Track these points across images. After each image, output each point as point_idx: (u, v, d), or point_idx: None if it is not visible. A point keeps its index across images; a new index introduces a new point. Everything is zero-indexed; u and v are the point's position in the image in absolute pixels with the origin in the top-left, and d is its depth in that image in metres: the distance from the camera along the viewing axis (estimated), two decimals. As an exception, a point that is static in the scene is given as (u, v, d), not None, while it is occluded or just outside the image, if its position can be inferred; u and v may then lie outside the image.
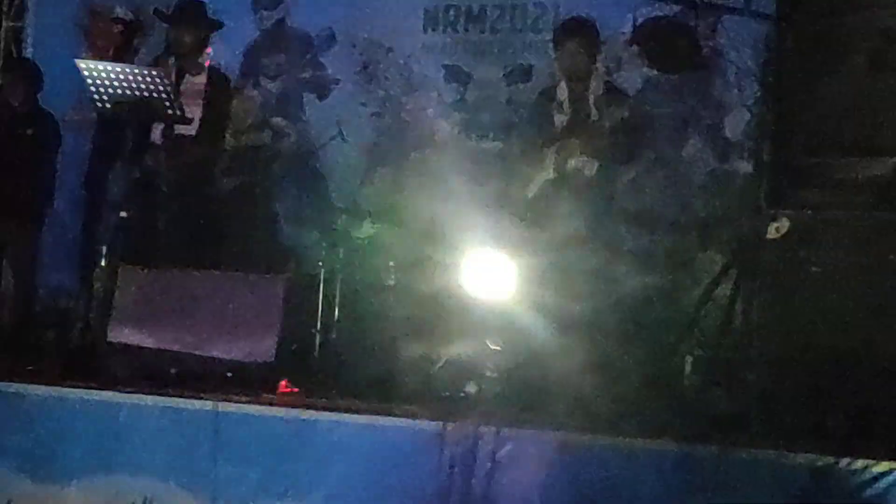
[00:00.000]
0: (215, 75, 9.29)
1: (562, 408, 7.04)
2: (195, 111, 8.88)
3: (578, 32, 8.23)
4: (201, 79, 9.12)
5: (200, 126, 8.94)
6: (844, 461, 5.72)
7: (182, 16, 9.26)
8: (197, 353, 7.49)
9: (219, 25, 9.48)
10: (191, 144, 8.90)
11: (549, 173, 8.00)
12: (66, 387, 7.47)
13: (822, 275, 6.25)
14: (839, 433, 5.95)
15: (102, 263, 8.66)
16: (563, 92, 8.16)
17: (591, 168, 7.97)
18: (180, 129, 8.81)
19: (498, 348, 7.11)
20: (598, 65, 8.25)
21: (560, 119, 8.12)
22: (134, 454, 7.12)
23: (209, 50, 9.34)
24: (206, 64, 9.24)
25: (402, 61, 11.15)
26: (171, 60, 9.11)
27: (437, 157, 10.91)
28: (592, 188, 7.97)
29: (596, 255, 7.93)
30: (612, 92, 8.09)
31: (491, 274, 7.66)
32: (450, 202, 10.09)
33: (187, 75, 9.09)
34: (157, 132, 8.83)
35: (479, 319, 7.48)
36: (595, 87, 8.08)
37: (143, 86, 8.25)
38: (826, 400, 6.01)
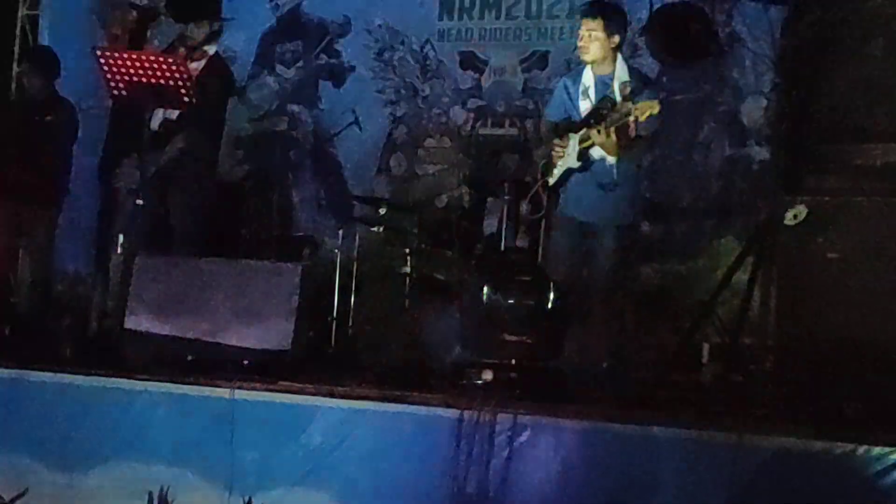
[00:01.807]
0: (217, 63, 9.19)
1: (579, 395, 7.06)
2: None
3: (597, 15, 8.16)
4: (198, 65, 9.04)
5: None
6: (862, 448, 5.70)
7: (194, 9, 9.29)
8: (213, 340, 7.48)
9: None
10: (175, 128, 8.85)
11: (573, 161, 7.95)
12: (82, 374, 7.48)
13: (840, 261, 6.22)
14: (857, 420, 5.93)
15: (119, 251, 8.69)
16: (588, 77, 8.09)
17: (612, 157, 7.91)
18: (170, 113, 8.79)
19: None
20: (622, 50, 8.17)
21: (585, 105, 8.06)
22: (150, 442, 7.13)
23: None
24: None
25: (417, 48, 11.15)
26: (182, 50, 9.09)
27: (452, 145, 10.92)
28: (614, 176, 7.93)
29: (615, 241, 7.91)
30: (637, 77, 8.02)
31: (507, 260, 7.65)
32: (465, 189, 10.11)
33: (188, 61, 9.08)
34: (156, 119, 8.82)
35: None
36: (620, 72, 8.00)
37: (158, 73, 8.25)
38: (844, 387, 5.99)
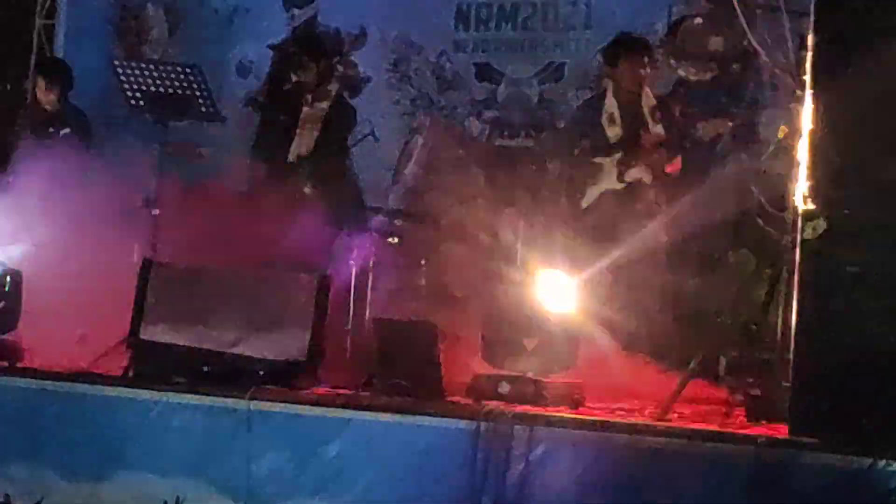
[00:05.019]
0: (340, 104, 9.70)
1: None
2: (312, 134, 9.43)
3: (633, 49, 8.37)
4: (324, 105, 9.46)
5: (315, 148, 9.47)
6: (881, 462, 5.69)
7: (303, 46, 9.77)
8: (229, 350, 7.48)
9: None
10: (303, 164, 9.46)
11: (612, 183, 8.16)
12: (97, 384, 7.48)
13: (859, 275, 6.19)
14: (877, 435, 5.90)
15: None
16: (611, 103, 8.30)
17: (648, 177, 8.15)
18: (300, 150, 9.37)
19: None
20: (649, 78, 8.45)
21: (614, 131, 8.27)
22: (166, 452, 7.13)
23: None
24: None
25: (433, 59, 11.15)
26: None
27: (468, 156, 10.91)
28: (652, 196, 8.17)
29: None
30: (664, 102, 8.27)
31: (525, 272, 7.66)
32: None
33: (315, 101, 9.59)
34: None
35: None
36: (647, 98, 8.23)
37: (176, 83, 8.28)
38: (862, 401, 5.96)
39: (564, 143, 8.89)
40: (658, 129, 8.16)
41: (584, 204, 8.49)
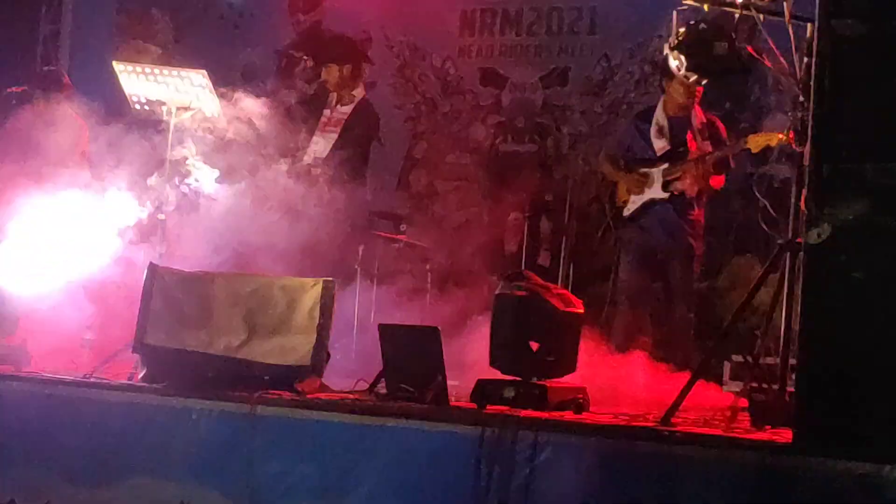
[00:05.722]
0: (364, 108, 9.61)
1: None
2: (331, 137, 9.44)
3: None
4: (347, 109, 9.47)
5: (332, 149, 9.44)
6: (886, 468, 5.68)
7: (330, 52, 9.67)
8: (234, 355, 7.48)
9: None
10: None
11: (658, 192, 8.42)
12: (103, 389, 7.48)
13: (864, 280, 6.19)
14: (881, 440, 5.90)
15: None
16: (661, 116, 8.54)
17: (693, 189, 8.43)
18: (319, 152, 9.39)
19: None
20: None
21: (660, 144, 8.54)
22: (171, 457, 7.11)
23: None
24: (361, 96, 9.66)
25: (437, 64, 11.17)
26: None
27: (472, 161, 10.93)
28: (693, 205, 8.48)
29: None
30: (710, 122, 8.53)
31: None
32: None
33: (338, 105, 9.57)
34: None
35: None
36: (696, 115, 8.48)
37: (180, 87, 8.29)
38: (868, 406, 5.96)
39: (612, 152, 9.12)
40: (706, 146, 8.47)
41: (627, 212, 8.80)
